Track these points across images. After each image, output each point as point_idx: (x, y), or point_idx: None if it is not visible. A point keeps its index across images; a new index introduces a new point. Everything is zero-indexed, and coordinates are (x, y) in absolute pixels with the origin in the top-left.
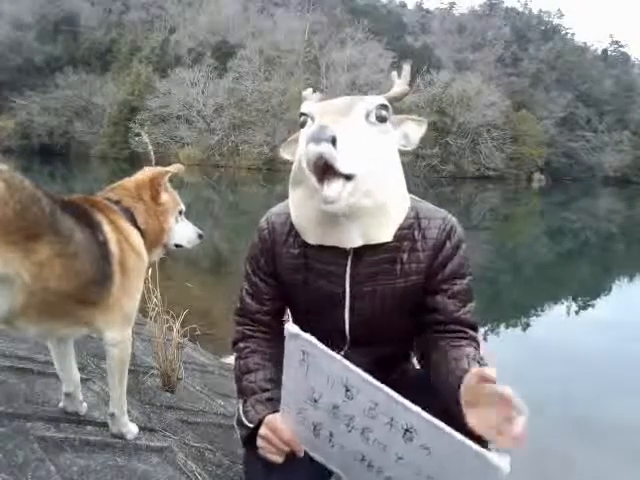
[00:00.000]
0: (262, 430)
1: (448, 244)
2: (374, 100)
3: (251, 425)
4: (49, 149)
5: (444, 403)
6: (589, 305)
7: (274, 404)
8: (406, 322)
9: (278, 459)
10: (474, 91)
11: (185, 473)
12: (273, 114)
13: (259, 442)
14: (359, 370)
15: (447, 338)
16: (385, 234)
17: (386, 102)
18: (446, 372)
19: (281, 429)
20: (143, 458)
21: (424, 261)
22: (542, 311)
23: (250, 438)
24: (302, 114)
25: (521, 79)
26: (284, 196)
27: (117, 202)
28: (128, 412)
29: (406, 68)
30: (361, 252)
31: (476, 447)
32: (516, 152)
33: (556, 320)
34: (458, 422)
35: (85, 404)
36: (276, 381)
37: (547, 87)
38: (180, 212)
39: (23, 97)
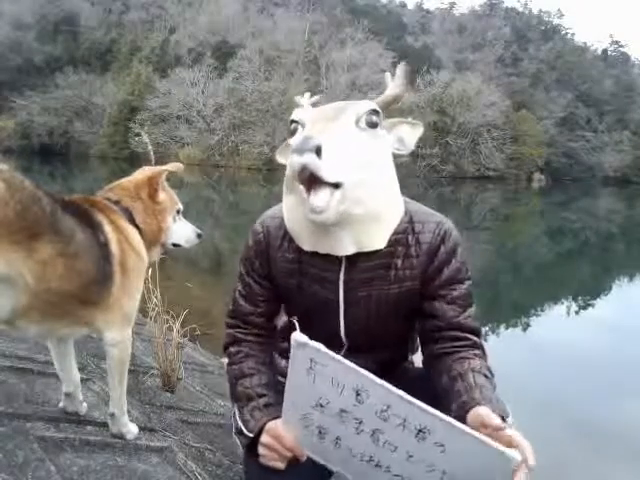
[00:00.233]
0: (264, 438)
1: (442, 249)
2: (364, 106)
3: (252, 435)
4: (49, 149)
5: (447, 405)
6: (589, 305)
7: (273, 409)
8: (402, 327)
9: (281, 466)
10: (474, 91)
11: (185, 473)
12: (273, 114)
13: (261, 450)
14: (370, 374)
15: (449, 346)
16: (378, 241)
17: (376, 107)
18: (450, 387)
19: (283, 436)
20: (143, 458)
21: (417, 267)
22: (542, 311)
23: (251, 445)
24: (292, 121)
25: (521, 79)
26: None
27: (117, 202)
28: (128, 412)
29: (400, 68)
30: (355, 259)
31: (491, 442)
32: (516, 152)
33: (556, 320)
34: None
35: (85, 404)
36: (271, 385)
37: (547, 87)
38: (178, 211)
39: (23, 97)
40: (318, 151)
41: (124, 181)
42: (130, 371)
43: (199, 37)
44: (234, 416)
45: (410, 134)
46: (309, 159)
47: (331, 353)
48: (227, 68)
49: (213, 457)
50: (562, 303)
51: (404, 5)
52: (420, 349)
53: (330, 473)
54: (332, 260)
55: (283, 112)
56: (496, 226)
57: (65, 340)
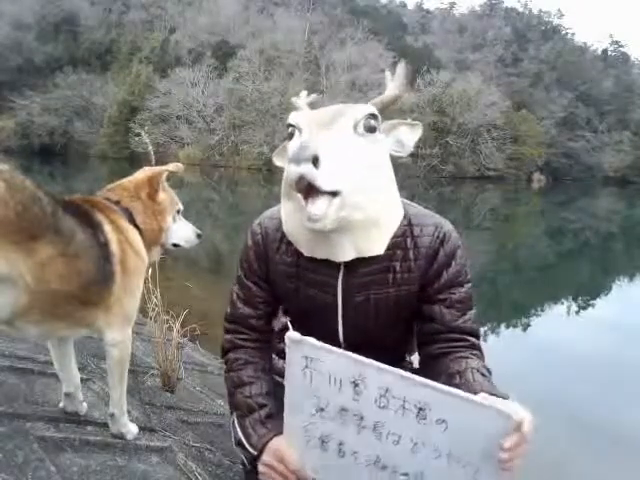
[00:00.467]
0: (266, 457)
1: (442, 252)
2: (362, 110)
3: (255, 452)
4: (49, 149)
5: None
6: (589, 305)
7: (274, 422)
8: (401, 329)
9: None
10: (474, 91)
11: (185, 473)
12: (273, 114)
13: (262, 469)
14: (364, 358)
15: (447, 347)
16: (378, 246)
17: (375, 111)
18: (449, 385)
19: (288, 459)
20: (143, 458)
21: (416, 270)
22: (542, 311)
23: (252, 460)
24: (289, 125)
25: (521, 79)
26: None
27: (117, 202)
28: (128, 412)
29: (400, 67)
30: (353, 264)
31: (488, 404)
32: (516, 152)
33: (556, 320)
34: None
35: (85, 404)
36: (271, 393)
37: (547, 87)
38: (178, 211)
39: (23, 97)
40: (315, 161)
41: (124, 181)
42: (130, 371)
43: (199, 37)
44: (233, 425)
45: (409, 136)
46: (306, 169)
47: (324, 345)
48: (227, 68)
49: (213, 457)
50: (562, 303)
51: (404, 5)
52: (417, 350)
53: None
54: (331, 265)
55: (283, 112)
56: (496, 226)
57: (65, 340)
